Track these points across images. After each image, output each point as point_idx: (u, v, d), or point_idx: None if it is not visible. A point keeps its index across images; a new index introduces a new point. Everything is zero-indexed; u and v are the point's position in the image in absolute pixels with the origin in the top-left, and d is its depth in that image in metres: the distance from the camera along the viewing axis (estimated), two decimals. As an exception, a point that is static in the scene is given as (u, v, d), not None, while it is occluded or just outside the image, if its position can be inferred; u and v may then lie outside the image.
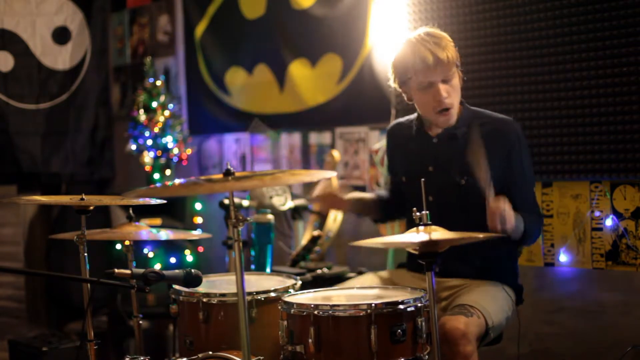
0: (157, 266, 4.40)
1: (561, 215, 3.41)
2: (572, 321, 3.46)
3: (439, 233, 2.17)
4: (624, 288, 3.31)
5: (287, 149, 4.64)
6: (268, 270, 3.68)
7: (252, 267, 3.72)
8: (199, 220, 4.77)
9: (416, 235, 2.15)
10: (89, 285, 2.38)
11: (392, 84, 2.77)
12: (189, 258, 4.55)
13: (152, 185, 2.98)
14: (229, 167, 2.10)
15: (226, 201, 3.72)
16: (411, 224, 2.29)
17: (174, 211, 4.64)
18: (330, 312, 2.24)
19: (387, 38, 3.99)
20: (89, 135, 5.48)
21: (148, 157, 4.81)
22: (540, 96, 3.41)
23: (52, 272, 2.80)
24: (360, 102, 4.17)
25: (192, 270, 2.30)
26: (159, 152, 4.82)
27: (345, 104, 4.25)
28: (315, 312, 2.24)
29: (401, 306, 2.25)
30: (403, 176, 2.85)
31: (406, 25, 3.86)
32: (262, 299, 2.55)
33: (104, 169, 5.58)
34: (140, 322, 2.79)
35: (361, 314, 2.22)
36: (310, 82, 4.44)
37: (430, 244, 2.12)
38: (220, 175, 2.12)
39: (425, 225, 2.19)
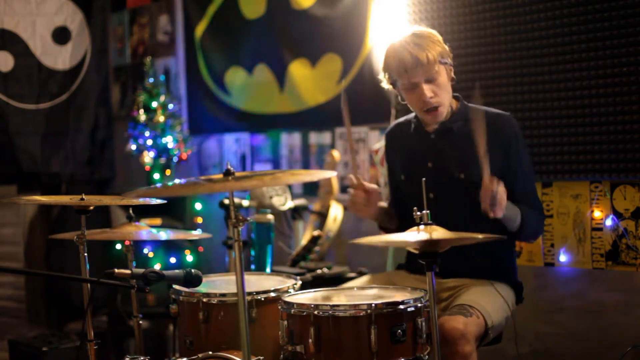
0: (157, 266, 4.40)
1: (561, 215, 3.41)
2: (572, 321, 3.46)
3: (440, 232, 2.17)
4: (624, 288, 3.31)
5: (287, 149, 4.64)
6: (268, 270, 3.68)
7: (252, 267, 3.73)
8: (199, 220, 4.77)
9: (417, 235, 2.15)
10: (89, 285, 2.38)
11: (386, 85, 2.80)
12: (189, 258, 4.55)
13: (152, 186, 2.98)
14: (229, 167, 2.10)
15: (226, 201, 3.72)
16: (411, 223, 2.28)
17: (174, 211, 4.64)
18: (330, 312, 2.24)
19: (387, 38, 3.99)
20: (89, 135, 5.48)
21: (148, 157, 4.81)
22: (540, 96, 3.41)
23: (52, 272, 2.80)
24: (360, 102, 4.17)
25: (192, 270, 2.30)
26: (159, 152, 4.82)
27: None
28: (315, 312, 2.24)
29: (401, 306, 2.25)
30: (402, 174, 2.85)
31: (406, 26, 3.86)
32: (262, 299, 2.55)
33: (104, 169, 5.58)
34: (140, 322, 2.79)
35: (361, 314, 2.22)
36: (310, 82, 4.44)
37: (431, 243, 2.12)
38: (220, 175, 2.11)
39: (426, 224, 2.18)
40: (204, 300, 2.57)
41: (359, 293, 2.55)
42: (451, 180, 2.69)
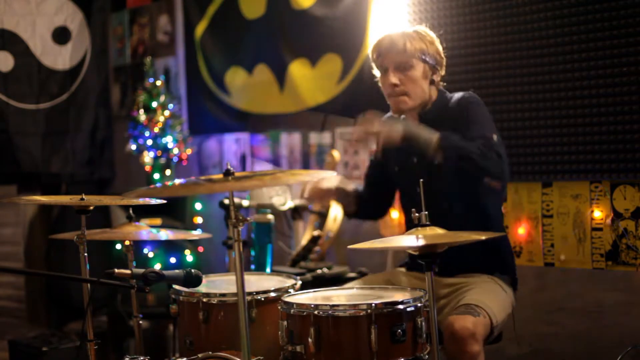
0: (157, 266, 4.40)
1: (561, 215, 3.41)
2: (572, 321, 3.45)
3: (438, 235, 2.17)
4: (624, 288, 3.31)
5: (287, 149, 4.64)
6: (268, 270, 3.68)
7: (252, 267, 3.73)
8: (199, 220, 4.77)
9: (414, 239, 2.15)
10: (89, 285, 2.38)
11: (377, 72, 2.90)
12: (189, 258, 4.55)
13: (152, 186, 2.99)
14: (229, 167, 2.10)
15: (226, 201, 3.72)
16: (411, 223, 2.29)
17: (174, 211, 4.63)
18: (330, 312, 2.24)
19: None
20: (89, 135, 5.48)
21: (148, 157, 4.81)
22: (540, 96, 3.41)
23: (52, 272, 2.80)
24: (360, 102, 4.17)
25: (192, 270, 2.30)
26: (159, 152, 4.82)
27: (345, 104, 4.25)
28: (315, 312, 2.24)
29: (401, 306, 2.25)
30: (396, 166, 2.89)
31: (406, 26, 3.86)
32: (262, 299, 2.55)
33: (104, 169, 5.58)
34: (140, 322, 2.78)
35: (361, 314, 2.22)
36: (310, 82, 4.43)
37: (430, 245, 2.12)
38: (220, 175, 2.12)
39: (424, 226, 2.19)
40: (204, 300, 2.57)
41: (359, 293, 2.55)
42: (430, 169, 2.65)
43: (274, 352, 2.45)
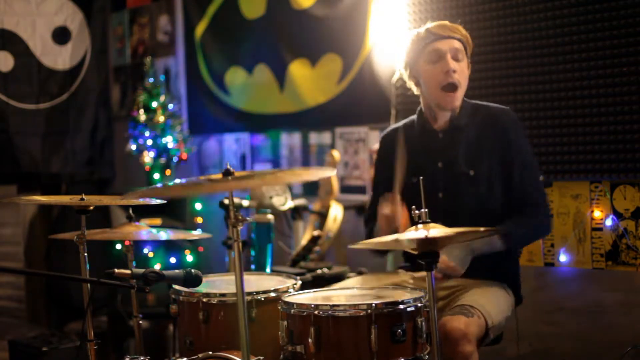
0: (157, 266, 4.40)
1: (561, 215, 3.41)
2: (572, 321, 3.46)
3: (438, 230, 2.16)
4: (624, 288, 3.31)
5: (287, 149, 4.64)
6: (268, 270, 3.68)
7: (252, 267, 3.72)
8: (199, 220, 4.77)
9: (413, 233, 2.14)
10: (89, 285, 2.38)
11: (403, 70, 2.78)
12: (189, 258, 4.55)
13: (152, 185, 2.98)
14: (228, 167, 2.10)
15: (226, 201, 3.71)
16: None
17: (174, 211, 4.64)
18: (330, 312, 2.24)
19: (387, 38, 3.99)
20: (89, 135, 5.48)
21: (148, 157, 4.81)
22: (540, 96, 3.41)
23: (52, 272, 2.79)
24: (360, 102, 4.17)
25: (192, 270, 2.30)
26: (159, 152, 4.82)
27: (345, 104, 4.25)
28: (315, 312, 2.24)
29: (401, 306, 2.25)
30: (413, 177, 2.80)
31: (406, 25, 3.86)
32: (262, 299, 2.55)
33: (104, 169, 5.58)
34: (140, 322, 2.78)
35: (361, 314, 2.22)
36: (310, 82, 4.44)
37: (430, 242, 2.12)
38: (220, 175, 2.11)
39: (424, 223, 2.18)
40: (204, 300, 2.56)
41: (359, 293, 2.55)
42: (461, 177, 2.68)
43: (274, 352, 2.45)
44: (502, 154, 2.66)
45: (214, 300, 2.56)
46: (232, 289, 2.62)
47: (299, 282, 2.72)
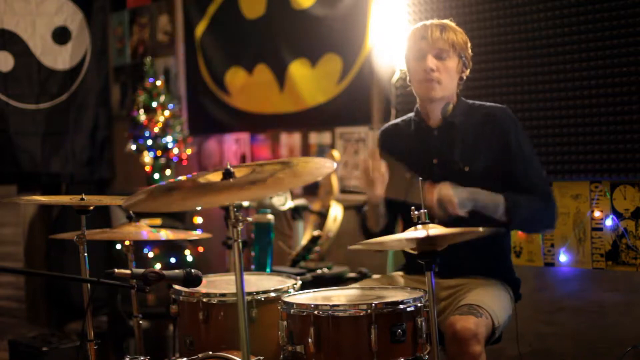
0: (157, 266, 4.40)
1: (561, 215, 3.41)
2: (572, 321, 3.46)
3: (438, 229, 2.16)
4: (624, 288, 3.31)
5: (287, 149, 4.64)
6: (268, 270, 3.68)
7: (252, 267, 3.72)
8: (199, 220, 4.77)
9: (413, 233, 2.15)
10: (89, 285, 2.38)
11: (403, 65, 2.84)
12: (189, 258, 4.55)
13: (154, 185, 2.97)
14: (228, 167, 2.10)
15: (226, 201, 3.71)
16: (408, 224, 2.29)
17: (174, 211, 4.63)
18: (330, 312, 2.24)
19: (387, 38, 3.99)
20: (89, 135, 5.48)
21: (148, 157, 4.81)
22: (540, 96, 3.41)
23: (52, 272, 2.80)
24: (360, 102, 4.17)
25: (192, 270, 2.30)
26: (159, 152, 4.82)
27: (345, 104, 4.25)
28: (315, 312, 2.24)
29: (401, 306, 2.25)
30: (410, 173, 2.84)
31: (406, 25, 3.86)
32: (262, 299, 2.55)
33: (104, 169, 5.58)
34: (140, 322, 2.78)
35: (361, 314, 2.22)
36: (310, 82, 4.44)
37: (430, 241, 2.12)
38: (220, 176, 2.11)
39: (424, 223, 2.18)
40: (204, 300, 2.56)
41: (359, 293, 2.55)
42: (456, 173, 2.69)
43: (274, 352, 2.45)
44: (501, 151, 2.67)
45: (214, 300, 2.56)
46: (232, 289, 2.62)
47: (299, 282, 2.72)
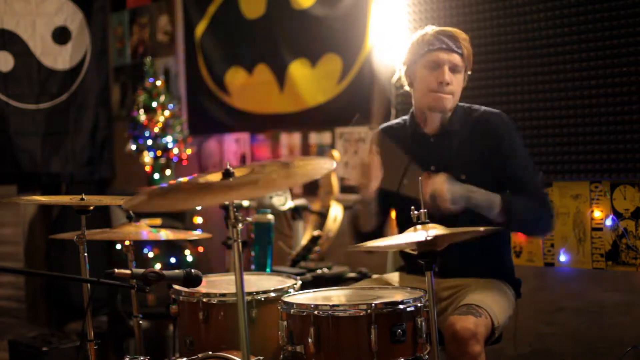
0: (157, 266, 4.40)
1: (561, 215, 3.41)
2: (572, 321, 3.46)
3: (439, 230, 2.17)
4: (624, 288, 3.31)
5: (287, 149, 4.64)
6: (268, 270, 3.68)
7: (252, 267, 3.72)
8: (199, 220, 4.77)
9: (415, 234, 2.15)
10: (89, 285, 2.38)
11: (402, 65, 2.79)
12: (189, 258, 4.55)
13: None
14: (228, 167, 2.10)
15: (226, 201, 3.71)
16: (404, 226, 2.29)
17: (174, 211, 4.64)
18: (330, 312, 2.24)
19: (387, 38, 3.99)
20: (89, 135, 5.48)
21: (148, 157, 4.81)
22: (540, 96, 3.41)
23: (52, 272, 2.80)
24: (360, 102, 4.17)
25: (192, 270, 2.30)
26: (159, 152, 4.82)
27: (345, 104, 4.25)
28: (315, 312, 2.24)
29: (401, 306, 2.25)
30: (405, 179, 2.82)
31: (406, 25, 3.86)
32: (262, 299, 2.55)
33: (104, 169, 5.58)
34: (140, 322, 2.78)
35: (361, 314, 2.22)
36: (310, 82, 4.44)
37: (430, 242, 2.12)
38: (220, 176, 2.11)
39: (423, 223, 2.18)
40: (204, 300, 2.56)
41: (359, 293, 2.55)
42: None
43: (274, 352, 2.45)
44: (495, 156, 2.65)
45: (214, 300, 2.56)
46: (232, 289, 2.62)
47: (299, 282, 2.72)
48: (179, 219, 4.69)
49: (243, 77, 4.81)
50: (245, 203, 3.88)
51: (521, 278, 2.86)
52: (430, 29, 2.73)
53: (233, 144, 4.98)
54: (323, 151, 4.40)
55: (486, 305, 2.51)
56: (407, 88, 2.82)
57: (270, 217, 3.72)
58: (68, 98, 5.34)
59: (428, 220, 2.19)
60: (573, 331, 3.45)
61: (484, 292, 2.61)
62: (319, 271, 3.62)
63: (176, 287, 2.64)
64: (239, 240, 2.02)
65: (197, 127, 5.16)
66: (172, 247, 4.54)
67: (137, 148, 4.85)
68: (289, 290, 2.60)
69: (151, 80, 4.87)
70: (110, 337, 4.57)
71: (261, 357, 2.36)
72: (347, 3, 4.20)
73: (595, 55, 3.24)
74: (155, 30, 5.41)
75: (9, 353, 4.18)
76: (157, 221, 4.44)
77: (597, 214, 3.32)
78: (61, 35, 5.29)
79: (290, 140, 4.63)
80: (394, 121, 2.97)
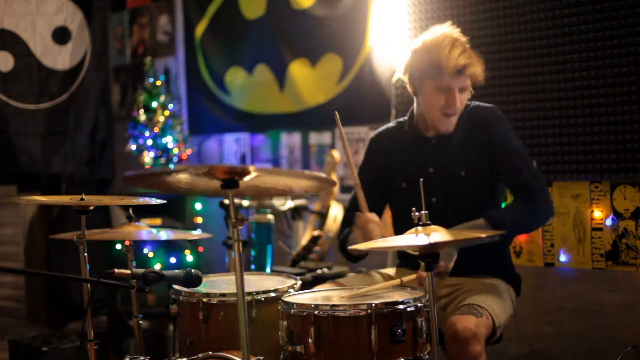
0: (157, 266, 4.40)
1: (561, 215, 3.41)
2: (572, 321, 3.46)
3: (439, 234, 2.17)
4: (624, 288, 3.31)
5: (287, 149, 4.64)
6: (268, 270, 3.68)
7: (252, 267, 3.73)
8: (199, 220, 4.77)
9: (417, 239, 2.15)
10: (89, 285, 2.38)
11: (402, 74, 2.76)
12: (189, 258, 4.55)
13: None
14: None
15: (226, 201, 3.72)
16: (402, 227, 2.29)
17: (174, 211, 4.63)
18: (330, 312, 2.24)
19: (387, 38, 3.99)
20: (89, 135, 5.48)
21: (148, 157, 4.81)
22: (540, 96, 3.41)
23: (52, 272, 2.80)
24: (360, 102, 4.17)
25: (192, 270, 2.30)
26: (159, 152, 4.82)
27: (345, 104, 4.25)
28: (315, 312, 2.24)
29: (401, 306, 2.25)
30: (403, 182, 2.82)
31: (406, 25, 3.86)
32: (262, 299, 2.55)
33: (104, 169, 5.58)
34: (140, 322, 2.78)
35: (361, 314, 2.22)
36: (310, 82, 4.44)
37: (432, 245, 2.12)
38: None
39: (425, 225, 2.19)
40: (204, 300, 2.56)
41: (359, 293, 2.55)
42: (453, 178, 2.70)
43: (274, 352, 2.45)
44: (490, 149, 2.68)
45: (214, 300, 2.56)
46: (232, 289, 2.62)
47: (299, 282, 2.72)
48: (179, 219, 4.69)
49: (243, 77, 4.81)
50: (245, 203, 3.89)
51: (521, 278, 2.86)
52: (439, 46, 2.63)
53: (233, 144, 4.98)
54: (323, 151, 4.40)
55: (487, 305, 2.51)
56: (412, 95, 2.80)
57: (270, 217, 3.73)
58: (68, 98, 5.34)
59: (429, 222, 2.19)
60: (573, 331, 3.45)
61: (484, 292, 2.62)
62: (319, 271, 3.62)
63: (176, 287, 2.64)
64: (239, 240, 2.02)
65: (197, 127, 5.16)
66: (172, 247, 4.54)
67: (137, 148, 4.85)
68: (289, 290, 2.60)
69: (151, 80, 4.87)
70: (110, 337, 4.57)
71: (261, 357, 2.36)
72: (347, 3, 4.20)
73: (595, 55, 3.24)
74: (155, 30, 5.41)
75: (9, 353, 4.18)
76: (157, 221, 4.44)
77: (597, 214, 3.32)
78: (61, 35, 5.29)
79: (290, 140, 4.63)
80: (390, 124, 2.95)
